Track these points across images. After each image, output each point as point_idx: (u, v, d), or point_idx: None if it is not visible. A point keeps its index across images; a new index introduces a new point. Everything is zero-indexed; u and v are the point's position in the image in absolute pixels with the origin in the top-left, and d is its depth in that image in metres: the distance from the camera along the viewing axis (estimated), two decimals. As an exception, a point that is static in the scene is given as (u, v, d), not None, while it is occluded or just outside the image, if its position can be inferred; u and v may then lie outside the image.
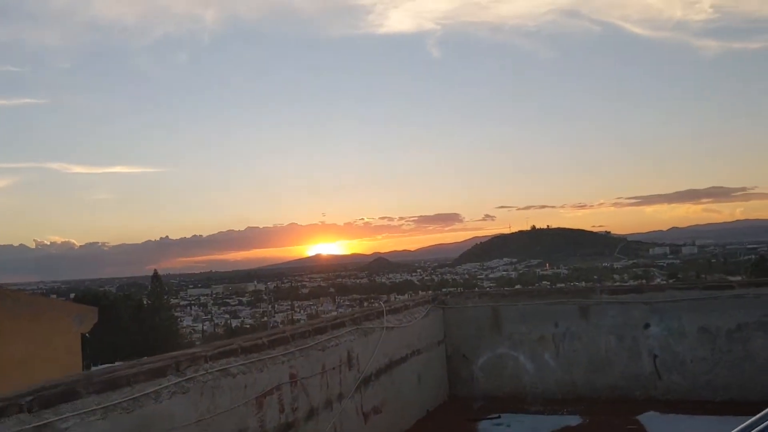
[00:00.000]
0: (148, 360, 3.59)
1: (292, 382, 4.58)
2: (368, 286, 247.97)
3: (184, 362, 3.71)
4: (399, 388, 6.32)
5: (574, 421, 6.76)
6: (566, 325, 7.32)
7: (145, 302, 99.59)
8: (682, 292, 7.04)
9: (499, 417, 6.90)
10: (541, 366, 7.41)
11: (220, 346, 4.09)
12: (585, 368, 7.25)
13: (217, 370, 3.88)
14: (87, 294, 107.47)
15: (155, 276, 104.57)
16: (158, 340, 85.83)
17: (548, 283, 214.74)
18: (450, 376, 7.72)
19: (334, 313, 5.79)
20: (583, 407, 7.05)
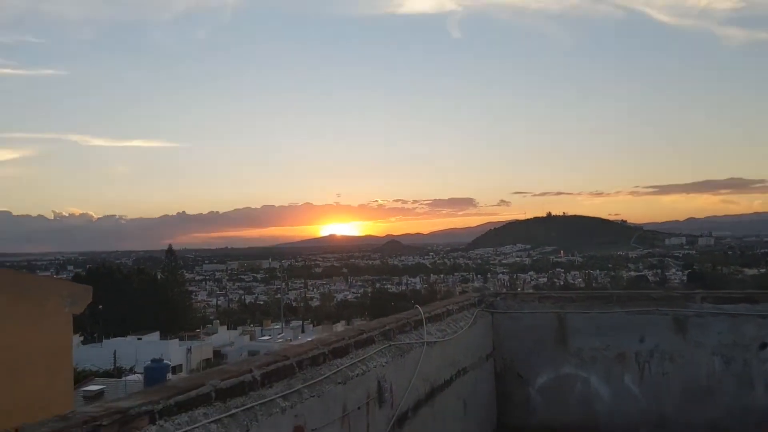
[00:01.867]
0: None
1: (296, 441, 2.99)
2: (381, 267, 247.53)
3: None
4: (442, 423, 4.72)
5: (665, 468, 5.16)
6: (655, 340, 5.68)
7: (159, 276, 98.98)
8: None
9: (566, 457, 5.33)
10: (619, 392, 5.78)
11: (181, 390, 2.51)
12: (679, 398, 5.61)
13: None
14: (101, 267, 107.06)
15: (170, 251, 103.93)
16: (171, 315, 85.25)
17: (562, 270, 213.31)
18: (500, 399, 6.11)
19: (358, 325, 3.80)
20: (675, 449, 5.44)
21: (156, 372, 28.75)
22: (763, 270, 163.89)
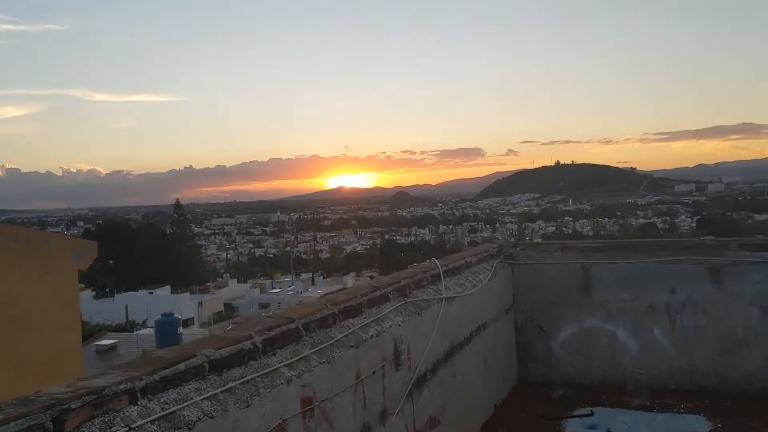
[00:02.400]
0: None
1: (305, 412, 2.64)
2: (390, 219, 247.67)
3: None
4: (462, 381, 4.40)
5: (699, 424, 4.84)
6: (687, 291, 5.30)
7: (168, 231, 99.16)
8: None
9: (592, 414, 5.00)
10: (648, 345, 5.44)
11: (168, 363, 2.16)
12: (712, 350, 5.27)
13: (161, 416, 1.95)
14: (110, 222, 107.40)
15: (178, 205, 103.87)
16: (181, 269, 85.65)
17: (571, 219, 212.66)
18: (520, 353, 5.79)
19: (369, 278, 3.37)
20: (708, 404, 5.11)
21: (167, 326, 28.80)
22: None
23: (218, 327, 39.61)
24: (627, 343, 5.47)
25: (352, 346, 3.01)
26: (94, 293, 70.72)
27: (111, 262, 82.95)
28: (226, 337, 2.49)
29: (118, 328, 41.70)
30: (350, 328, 3.10)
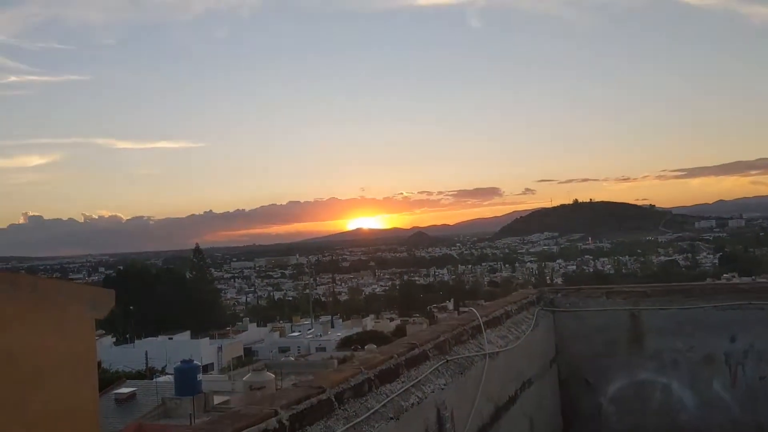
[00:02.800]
0: None
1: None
2: (408, 259, 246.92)
3: None
4: (508, 448, 3.95)
5: (770, 490, 4.34)
6: (748, 338, 4.84)
7: (188, 276, 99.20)
8: None
9: (649, 479, 4.53)
10: (707, 400, 4.95)
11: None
12: (780, 406, 4.79)
13: None
14: (131, 268, 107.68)
15: (197, 250, 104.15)
16: (201, 313, 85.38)
17: (591, 257, 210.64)
18: (565, 410, 5.31)
19: (408, 338, 2.92)
20: (778, 466, 4.62)
21: (186, 373, 28.41)
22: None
23: (238, 373, 39.09)
24: (683, 397, 4.99)
25: (391, 418, 2.60)
26: (114, 339, 70.64)
27: (131, 307, 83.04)
28: (247, 414, 2.10)
29: (138, 375, 41.33)
30: (388, 396, 2.70)
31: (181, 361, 30.25)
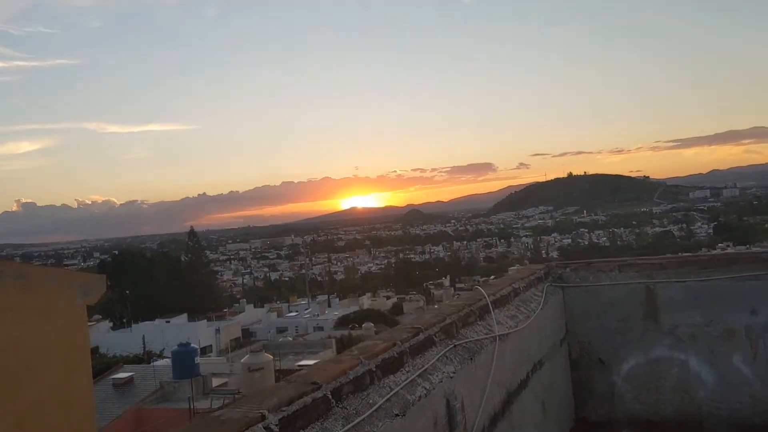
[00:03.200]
0: None
1: None
2: (403, 237, 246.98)
3: None
4: (520, 433, 3.66)
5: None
6: (771, 312, 4.57)
7: (183, 259, 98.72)
8: None
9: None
10: (727, 376, 4.69)
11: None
12: (805, 381, 4.53)
13: None
14: (125, 253, 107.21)
15: (192, 233, 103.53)
16: (198, 296, 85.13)
17: (586, 230, 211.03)
18: (577, 390, 5.04)
19: (409, 321, 2.56)
20: (804, 444, 4.36)
21: (184, 356, 28.19)
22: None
23: (236, 354, 38.92)
24: (702, 373, 4.72)
25: (397, 415, 2.30)
26: (111, 324, 70.47)
27: (127, 292, 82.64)
28: (230, 419, 1.79)
29: (136, 359, 41.13)
30: (392, 388, 2.39)
31: (178, 345, 30.03)
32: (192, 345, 29.96)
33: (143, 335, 51.61)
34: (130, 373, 30.85)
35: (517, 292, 4.24)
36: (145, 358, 43.65)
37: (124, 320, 74.19)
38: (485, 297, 3.66)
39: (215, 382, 28.57)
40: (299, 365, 30.52)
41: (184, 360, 28.09)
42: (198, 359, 28.99)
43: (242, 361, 25.88)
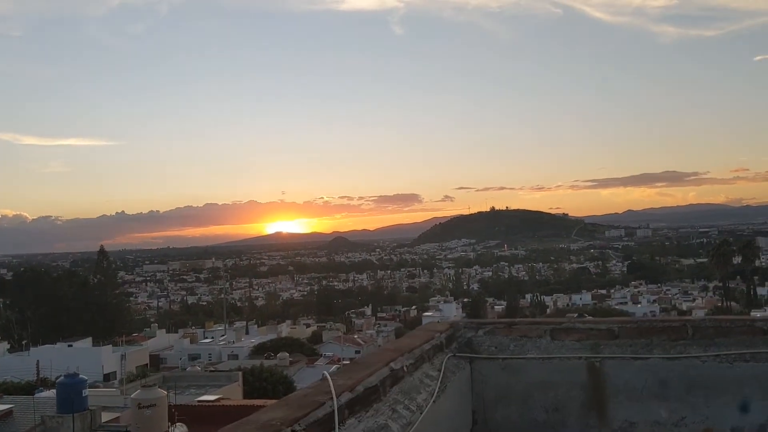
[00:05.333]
0: None
1: None
2: (327, 264, 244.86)
3: None
4: None
5: None
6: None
7: (92, 279, 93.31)
8: None
9: None
10: (704, 501, 3.18)
11: None
12: None
13: None
14: (29, 270, 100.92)
15: (102, 252, 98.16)
16: (106, 319, 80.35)
17: (506, 263, 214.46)
18: None
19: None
20: None
21: (69, 388, 25.43)
22: (699, 260, 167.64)
23: (133, 386, 36.03)
24: (667, 495, 3.21)
25: None
26: (9, 346, 66.50)
27: (28, 313, 77.39)
28: None
29: (27, 387, 37.88)
30: None
31: (64, 375, 27.25)
32: (80, 375, 27.25)
33: (37, 360, 48.04)
34: (9, 405, 27.96)
35: (397, 376, 2.63)
36: (38, 385, 40.45)
37: (24, 342, 69.87)
38: (333, 399, 2.04)
39: (105, 417, 26.01)
40: (199, 401, 28.28)
41: (70, 392, 25.41)
42: (86, 392, 26.31)
43: (132, 396, 23.69)
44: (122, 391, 33.10)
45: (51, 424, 24.99)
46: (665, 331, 3.21)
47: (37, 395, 32.02)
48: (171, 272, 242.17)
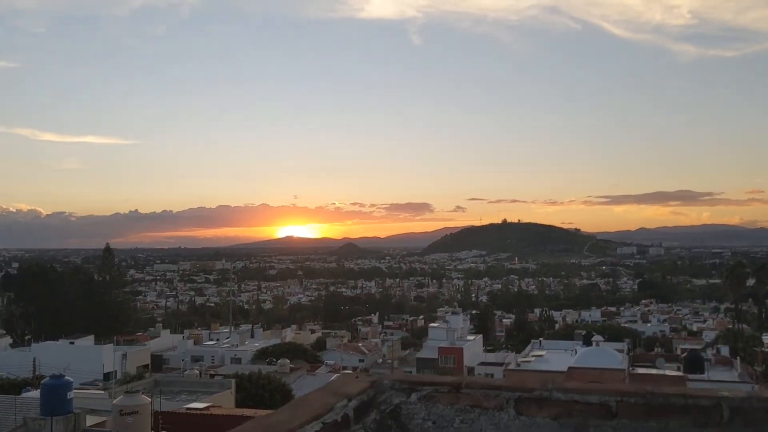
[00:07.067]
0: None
1: None
2: (337, 270, 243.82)
3: None
4: None
5: None
6: None
7: (97, 276, 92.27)
8: None
9: None
10: None
11: None
12: None
13: None
14: (34, 265, 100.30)
15: (107, 250, 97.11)
16: (109, 317, 79.32)
17: (516, 277, 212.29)
18: None
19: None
20: None
21: (54, 390, 24.45)
22: (711, 280, 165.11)
23: (124, 388, 35.05)
24: None
25: None
26: (11, 341, 65.85)
27: (32, 308, 76.55)
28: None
29: (23, 383, 37.12)
30: None
31: (50, 376, 26.28)
32: (66, 377, 26.29)
33: (34, 357, 47.19)
34: (-7, 405, 26.95)
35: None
36: (34, 381, 39.67)
37: (27, 337, 69.26)
38: None
39: (91, 420, 25.01)
40: (188, 408, 27.20)
41: (55, 394, 24.43)
42: (71, 394, 25.33)
43: (114, 402, 22.72)
44: (110, 394, 32.12)
45: (33, 426, 24.03)
46: (688, 411, 2.10)
47: (23, 395, 31.16)
48: (181, 272, 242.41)
